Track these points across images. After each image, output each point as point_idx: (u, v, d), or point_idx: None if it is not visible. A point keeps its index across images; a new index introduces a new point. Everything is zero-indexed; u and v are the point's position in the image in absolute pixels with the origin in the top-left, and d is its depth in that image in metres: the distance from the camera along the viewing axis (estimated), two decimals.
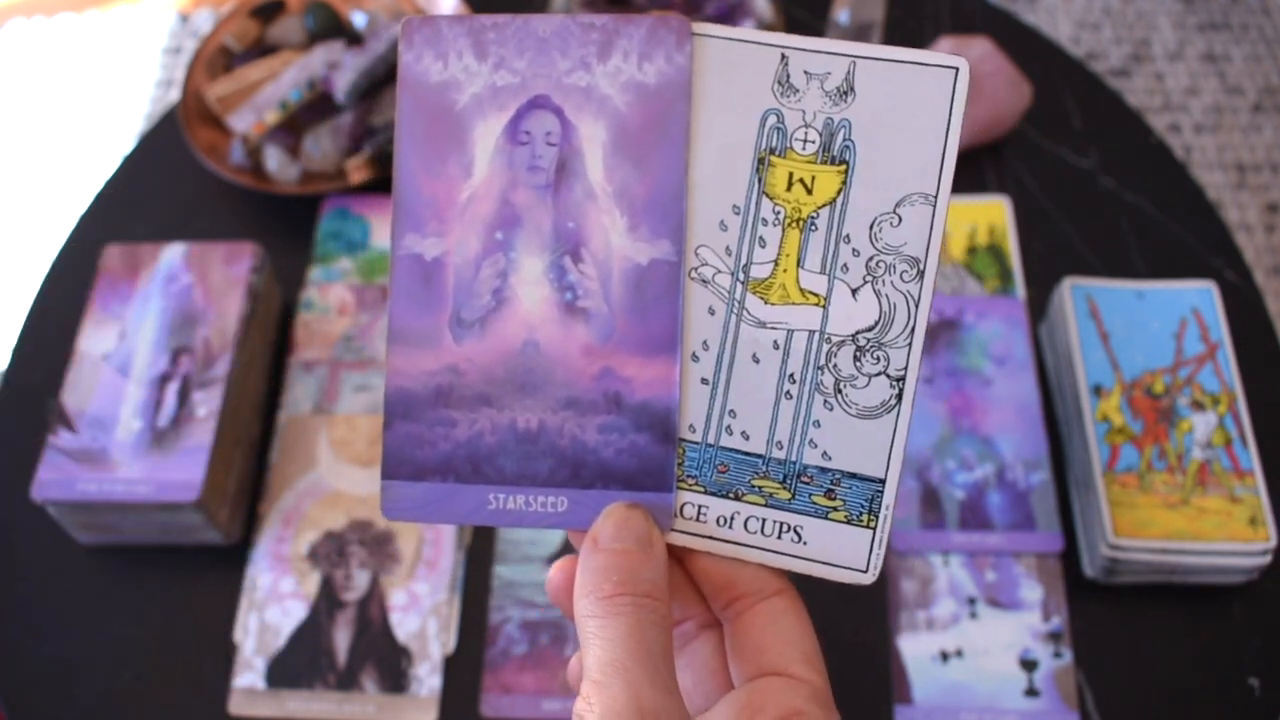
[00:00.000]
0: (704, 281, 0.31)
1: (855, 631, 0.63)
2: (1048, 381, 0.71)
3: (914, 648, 0.62)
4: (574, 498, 0.32)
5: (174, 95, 1.69)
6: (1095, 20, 1.75)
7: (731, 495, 0.32)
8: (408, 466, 0.32)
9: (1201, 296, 0.68)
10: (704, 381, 0.32)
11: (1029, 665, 0.62)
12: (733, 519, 0.32)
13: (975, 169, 0.82)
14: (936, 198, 0.30)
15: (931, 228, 0.31)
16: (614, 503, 0.31)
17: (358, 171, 0.80)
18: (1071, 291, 0.69)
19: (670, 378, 0.31)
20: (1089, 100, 0.85)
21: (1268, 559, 0.60)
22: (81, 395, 0.66)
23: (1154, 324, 0.68)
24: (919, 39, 0.88)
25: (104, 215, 0.84)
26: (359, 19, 0.88)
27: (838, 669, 0.67)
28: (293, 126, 0.82)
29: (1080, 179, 0.81)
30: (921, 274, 0.31)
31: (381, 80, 0.83)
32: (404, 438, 0.32)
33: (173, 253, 0.72)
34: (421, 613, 0.64)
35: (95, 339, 0.68)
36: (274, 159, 0.80)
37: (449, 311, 0.32)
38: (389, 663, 0.63)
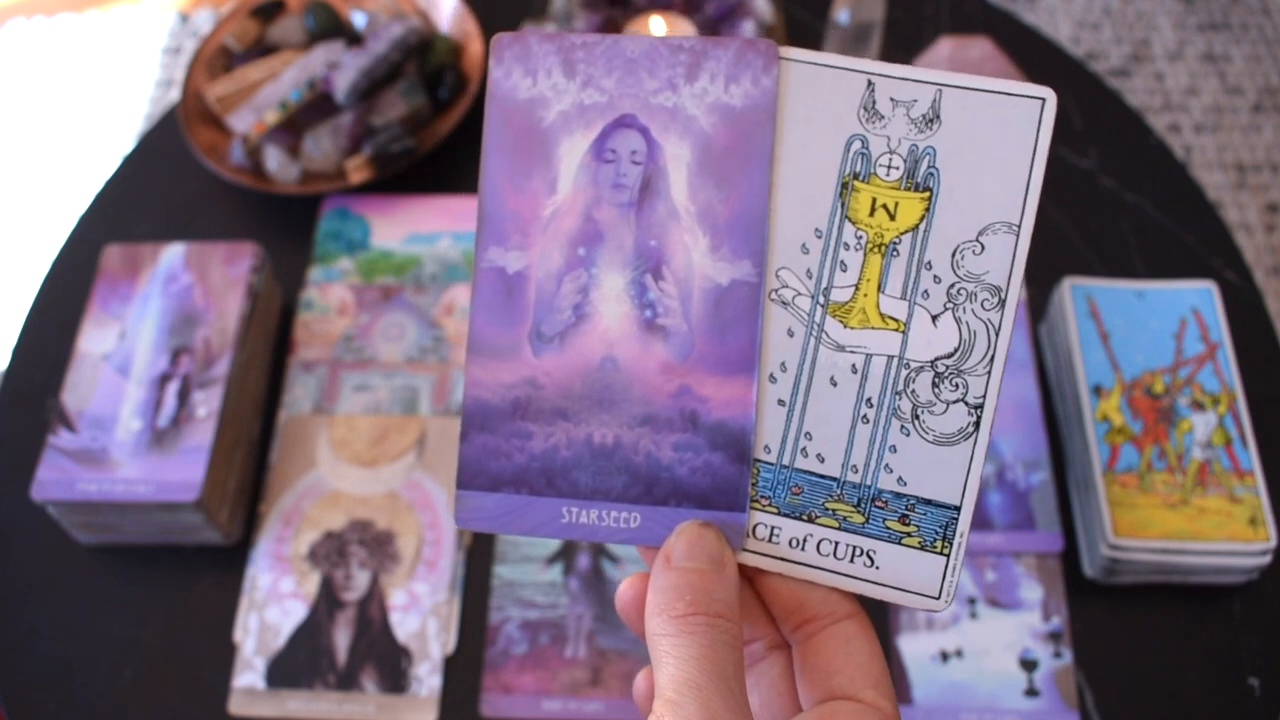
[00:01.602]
0: (784, 303, 0.32)
1: None
2: (1048, 381, 0.71)
3: (914, 648, 0.62)
4: (647, 514, 0.32)
5: (174, 95, 1.69)
6: (1095, 20, 1.75)
7: (805, 517, 0.32)
8: (483, 478, 0.33)
9: (1201, 296, 0.68)
10: (781, 403, 0.32)
11: (1029, 665, 0.62)
12: (805, 541, 0.32)
13: None
14: (1020, 227, 0.30)
15: (1014, 257, 0.31)
16: (687, 521, 0.31)
17: (358, 171, 0.80)
18: (1071, 291, 0.69)
19: (747, 398, 0.32)
20: (1089, 100, 0.85)
21: (1268, 559, 0.60)
22: (81, 395, 0.66)
23: (1154, 324, 0.68)
24: (919, 39, 0.88)
25: (104, 215, 0.84)
26: (359, 19, 0.88)
27: None
28: (293, 126, 0.82)
29: (1080, 179, 0.81)
30: (1003, 303, 0.31)
31: (381, 80, 0.83)
32: (480, 449, 0.32)
33: (173, 253, 0.72)
34: (421, 613, 0.64)
35: (95, 339, 0.68)
36: (274, 159, 0.80)
37: (529, 325, 0.32)
38: (389, 663, 0.63)
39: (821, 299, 0.32)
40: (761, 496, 0.32)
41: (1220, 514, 0.61)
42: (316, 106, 0.83)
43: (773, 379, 0.32)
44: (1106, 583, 0.64)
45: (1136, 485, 0.62)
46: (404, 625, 0.64)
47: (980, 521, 0.65)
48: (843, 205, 0.31)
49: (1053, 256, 0.77)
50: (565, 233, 0.32)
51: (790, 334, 0.32)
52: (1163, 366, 0.66)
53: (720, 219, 0.32)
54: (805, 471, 0.32)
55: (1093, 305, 0.68)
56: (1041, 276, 0.76)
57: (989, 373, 0.31)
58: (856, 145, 0.31)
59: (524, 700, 0.62)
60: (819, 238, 0.31)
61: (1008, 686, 0.61)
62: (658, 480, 0.32)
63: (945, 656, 0.62)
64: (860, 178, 0.31)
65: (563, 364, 0.32)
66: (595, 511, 0.32)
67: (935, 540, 0.31)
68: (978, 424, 0.31)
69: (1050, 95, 0.31)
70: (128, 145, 1.41)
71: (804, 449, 0.32)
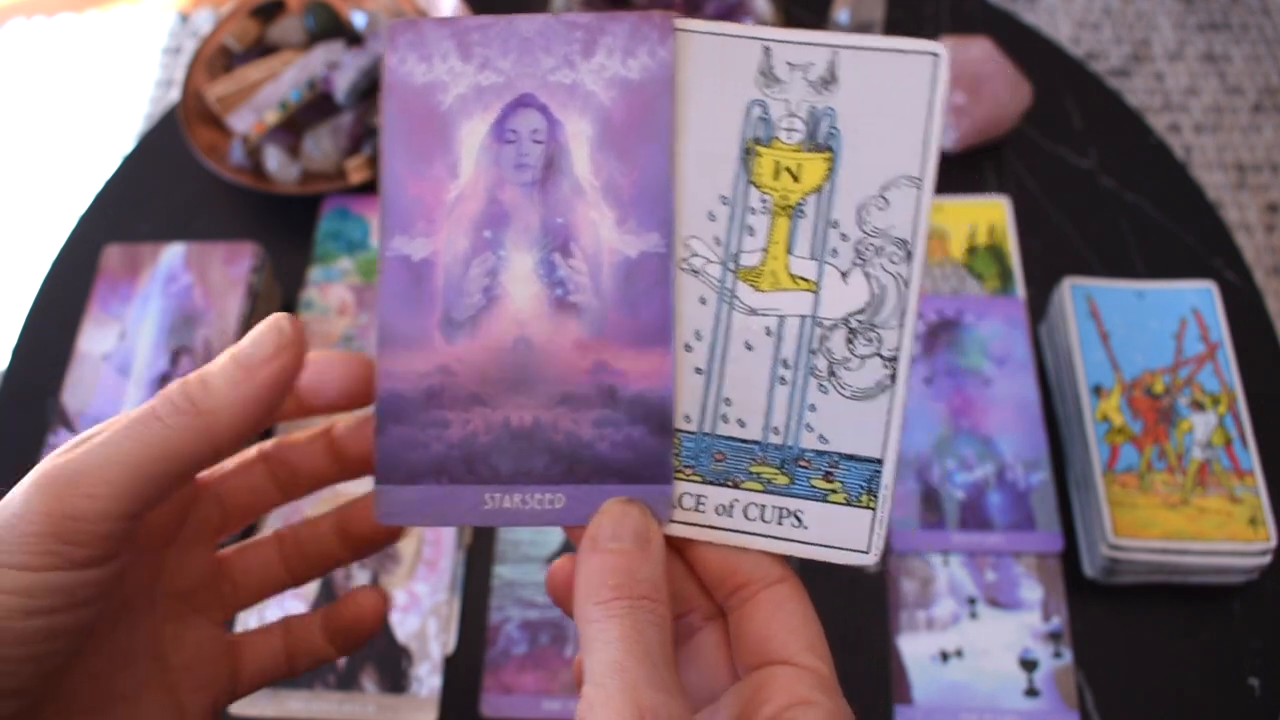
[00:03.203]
0: (694, 272, 0.32)
1: (855, 631, 0.63)
2: (1048, 381, 0.71)
3: (914, 648, 0.62)
4: (571, 493, 0.32)
5: (174, 95, 1.69)
6: (1095, 20, 1.75)
7: (729, 483, 0.32)
8: (402, 470, 0.32)
9: (1201, 296, 0.69)
10: (698, 371, 0.32)
11: (1029, 665, 0.62)
12: (732, 507, 0.32)
13: (975, 169, 0.82)
14: (922, 180, 0.31)
15: (918, 210, 0.31)
16: (610, 499, 0.31)
17: (358, 171, 0.80)
18: (1071, 291, 0.69)
19: (664, 369, 0.32)
20: (1089, 100, 0.85)
21: (1268, 559, 0.60)
22: (81, 395, 0.66)
23: (1154, 324, 0.68)
24: None
25: (104, 215, 0.84)
26: (359, 19, 0.88)
27: (838, 669, 0.67)
28: (293, 126, 0.82)
29: (1080, 179, 0.81)
30: (910, 255, 0.31)
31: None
32: (396, 441, 0.32)
33: (173, 253, 0.72)
34: (421, 613, 0.64)
35: (95, 339, 0.68)
36: (274, 159, 0.80)
37: (439, 312, 0.32)
38: (389, 663, 0.63)
39: (731, 265, 0.32)
40: (685, 466, 0.32)
41: (1220, 514, 0.61)
42: (316, 106, 0.83)
43: (688, 348, 0.32)
44: (1106, 583, 0.64)
45: (1136, 485, 0.62)
46: (404, 625, 0.64)
47: (980, 521, 0.65)
48: (746, 171, 0.32)
49: (1053, 256, 0.77)
50: (470, 216, 0.32)
51: (703, 302, 0.32)
52: (1163, 366, 0.66)
53: (625, 192, 0.32)
54: (727, 437, 0.32)
55: (1093, 305, 0.68)
56: (1041, 276, 0.76)
57: (901, 325, 0.31)
58: (757, 111, 0.31)
59: (524, 700, 0.62)
60: (725, 204, 0.32)
61: (1008, 686, 0.61)
62: (580, 458, 0.32)
63: (945, 656, 0.62)
64: (762, 142, 0.31)
65: (475, 349, 0.32)
66: (519, 495, 0.32)
67: (860, 495, 0.31)
68: (894, 376, 0.31)
69: (943, 50, 0.31)
70: (128, 145, 1.41)
71: (724, 415, 0.32)
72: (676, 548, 0.32)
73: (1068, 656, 0.62)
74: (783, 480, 0.32)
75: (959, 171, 0.82)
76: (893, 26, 0.89)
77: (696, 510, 0.32)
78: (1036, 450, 0.67)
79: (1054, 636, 0.62)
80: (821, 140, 0.31)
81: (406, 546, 0.66)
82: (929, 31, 0.90)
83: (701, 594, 0.32)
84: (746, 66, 0.31)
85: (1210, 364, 0.66)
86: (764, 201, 0.32)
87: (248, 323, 0.69)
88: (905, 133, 0.31)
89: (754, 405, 0.32)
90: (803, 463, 0.31)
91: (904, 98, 0.31)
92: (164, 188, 0.85)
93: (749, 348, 0.32)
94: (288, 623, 0.36)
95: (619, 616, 0.28)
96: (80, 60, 1.79)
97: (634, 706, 0.26)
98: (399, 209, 0.32)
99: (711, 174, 0.32)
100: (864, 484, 0.31)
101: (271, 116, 0.82)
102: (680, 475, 0.32)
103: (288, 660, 0.36)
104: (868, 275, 0.31)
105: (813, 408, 0.31)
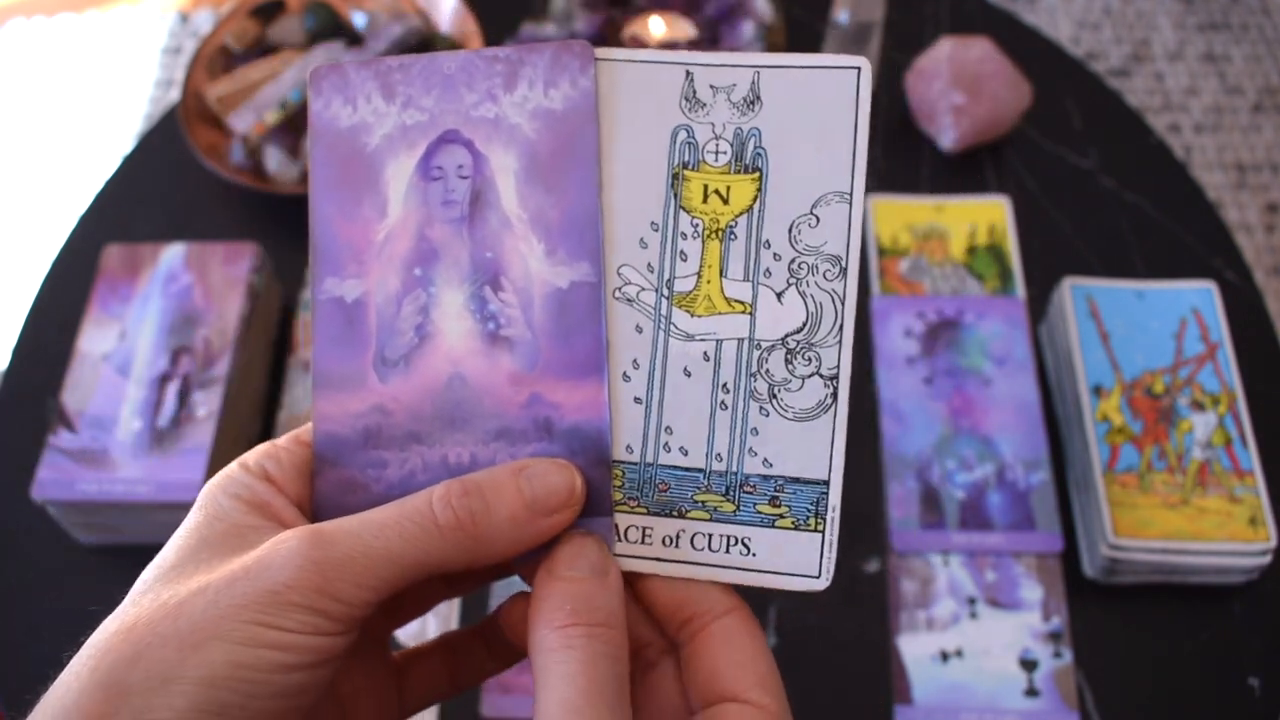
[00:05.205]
0: (628, 300, 0.32)
1: (855, 631, 0.63)
2: (1048, 381, 0.71)
3: (914, 648, 0.62)
4: None
5: (174, 95, 1.69)
6: (1095, 20, 1.75)
7: (675, 513, 0.32)
8: (341, 513, 0.31)
9: (1201, 296, 0.69)
10: (637, 400, 0.32)
11: (1029, 665, 0.62)
12: (678, 538, 0.31)
13: (975, 169, 0.82)
14: (852, 195, 0.31)
15: (850, 225, 0.31)
16: (567, 531, 0.30)
17: None
18: (1071, 291, 0.69)
19: (599, 400, 0.31)
20: (1089, 100, 0.85)
21: (1268, 559, 0.61)
22: (81, 395, 0.66)
23: (1154, 324, 0.68)
24: (919, 39, 0.89)
25: (104, 215, 0.84)
26: (359, 19, 0.88)
27: (838, 669, 0.67)
28: (293, 126, 0.82)
29: (1080, 179, 0.81)
30: (844, 271, 0.31)
31: None
32: (334, 484, 0.32)
33: (173, 253, 0.72)
34: None
35: (95, 339, 0.68)
36: (274, 159, 0.80)
37: (372, 351, 0.32)
38: None
39: (665, 291, 0.32)
40: (629, 498, 0.32)
41: (1220, 514, 0.61)
42: None
43: (626, 378, 0.32)
44: (1106, 583, 0.64)
45: (1136, 485, 0.62)
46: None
47: (980, 521, 0.65)
48: (675, 196, 0.32)
49: (1053, 256, 0.77)
50: (400, 255, 0.32)
51: (639, 330, 0.32)
52: (1163, 366, 0.66)
53: (553, 223, 0.32)
54: (670, 466, 0.32)
55: (1093, 305, 0.68)
56: (1041, 276, 0.76)
57: (840, 342, 0.31)
58: (682, 135, 0.32)
59: (524, 700, 0.62)
60: (656, 231, 0.32)
61: (1008, 686, 0.61)
62: None
63: (945, 656, 0.62)
64: (690, 166, 0.32)
65: (410, 387, 0.32)
66: None
67: (808, 518, 0.31)
68: (835, 395, 0.31)
69: (865, 63, 0.31)
70: (128, 145, 1.41)
71: (666, 444, 0.32)
72: (627, 582, 0.31)
73: (1068, 656, 0.62)
74: (729, 508, 0.31)
75: (959, 171, 0.82)
76: (893, 26, 0.89)
77: (643, 543, 0.31)
78: (1036, 450, 0.67)
79: (1054, 636, 0.62)
80: (749, 161, 0.32)
81: None
82: (929, 32, 0.90)
83: (655, 628, 0.32)
84: (670, 91, 0.32)
85: (1210, 364, 0.66)
86: (695, 226, 0.32)
87: (247, 323, 0.69)
88: (832, 149, 0.31)
89: (696, 432, 0.32)
90: (748, 488, 0.31)
91: (829, 113, 0.31)
92: (164, 188, 0.85)
93: (687, 374, 0.32)
94: (448, 640, 0.36)
95: (574, 648, 0.28)
96: (80, 60, 1.79)
97: None
98: (329, 251, 0.32)
99: (641, 201, 0.32)
100: (811, 507, 0.31)
101: (271, 116, 0.82)
102: (624, 508, 0.31)
103: (450, 679, 0.35)
104: (803, 294, 0.31)
105: (755, 431, 0.31)
